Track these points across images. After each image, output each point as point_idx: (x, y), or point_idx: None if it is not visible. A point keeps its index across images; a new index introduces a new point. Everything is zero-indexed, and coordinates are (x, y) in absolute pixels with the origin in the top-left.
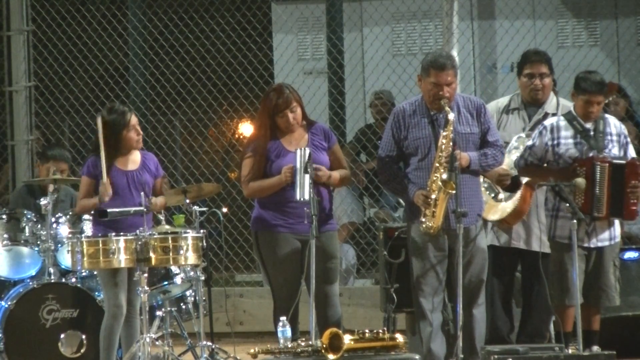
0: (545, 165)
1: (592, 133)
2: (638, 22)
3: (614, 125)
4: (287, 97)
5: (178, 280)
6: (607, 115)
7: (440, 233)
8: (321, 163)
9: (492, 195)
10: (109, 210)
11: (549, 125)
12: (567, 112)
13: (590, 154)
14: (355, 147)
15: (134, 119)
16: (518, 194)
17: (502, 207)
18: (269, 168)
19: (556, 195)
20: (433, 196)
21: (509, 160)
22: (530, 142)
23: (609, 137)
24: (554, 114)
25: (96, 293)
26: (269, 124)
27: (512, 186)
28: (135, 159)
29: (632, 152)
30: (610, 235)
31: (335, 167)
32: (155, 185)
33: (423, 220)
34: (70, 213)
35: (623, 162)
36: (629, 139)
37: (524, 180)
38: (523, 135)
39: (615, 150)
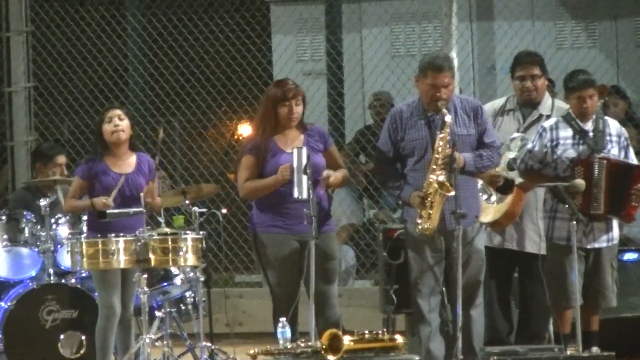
0: (544, 168)
1: (591, 134)
2: (637, 23)
3: (614, 126)
4: (296, 87)
5: (177, 281)
6: (606, 117)
7: (436, 234)
8: (317, 164)
9: (485, 197)
10: (107, 211)
11: (548, 127)
12: (566, 114)
13: (589, 154)
14: (354, 149)
15: (113, 112)
16: (510, 196)
17: (494, 208)
18: (263, 168)
19: (555, 196)
20: (429, 198)
21: (502, 161)
22: (530, 145)
23: (608, 138)
24: (548, 116)
25: (95, 294)
26: (271, 111)
27: (504, 188)
28: (130, 162)
29: (632, 155)
30: (608, 236)
31: (333, 168)
32: (148, 187)
33: (419, 222)
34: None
35: (626, 162)
36: (628, 142)
37: (518, 181)
38: (516, 136)
39: (614, 151)
